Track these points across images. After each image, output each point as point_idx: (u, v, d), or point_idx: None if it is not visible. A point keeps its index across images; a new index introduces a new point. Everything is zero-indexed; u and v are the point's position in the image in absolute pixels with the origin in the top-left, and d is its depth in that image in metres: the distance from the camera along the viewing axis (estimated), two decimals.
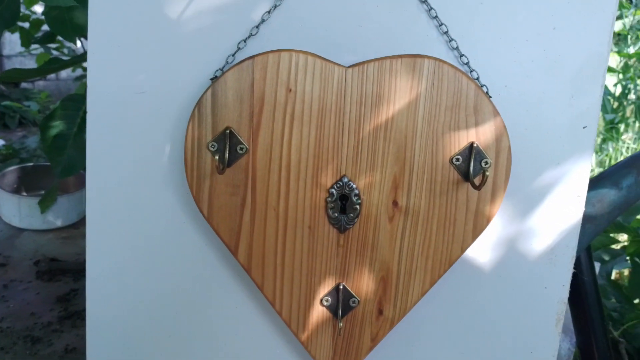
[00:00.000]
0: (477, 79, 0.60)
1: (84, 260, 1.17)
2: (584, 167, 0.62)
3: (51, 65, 1.16)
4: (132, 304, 0.66)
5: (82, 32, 1.13)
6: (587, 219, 0.77)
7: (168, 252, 0.64)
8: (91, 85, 0.61)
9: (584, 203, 0.63)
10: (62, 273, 1.10)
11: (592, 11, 0.59)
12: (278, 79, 0.58)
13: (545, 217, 0.63)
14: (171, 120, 0.61)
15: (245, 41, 0.60)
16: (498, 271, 0.64)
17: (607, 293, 1.51)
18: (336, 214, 0.60)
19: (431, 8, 0.59)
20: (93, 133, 0.62)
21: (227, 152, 0.58)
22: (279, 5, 0.59)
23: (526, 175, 0.62)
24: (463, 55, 0.60)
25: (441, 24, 0.59)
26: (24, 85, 4.43)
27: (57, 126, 1.09)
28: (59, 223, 1.25)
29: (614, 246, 1.66)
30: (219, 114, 0.58)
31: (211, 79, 0.59)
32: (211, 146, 0.59)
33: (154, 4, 0.59)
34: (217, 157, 0.56)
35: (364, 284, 0.62)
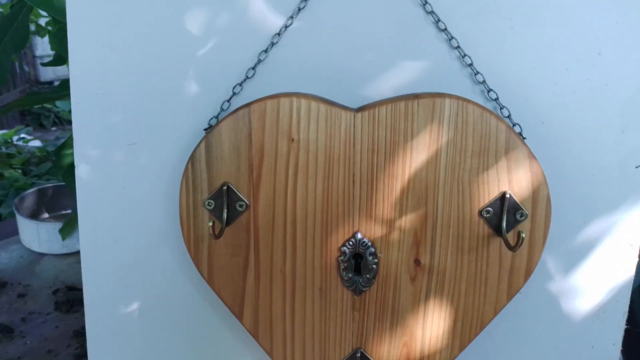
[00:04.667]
0: (509, 116, 0.52)
1: None
2: (638, 212, 0.53)
3: (67, 91, 1.13)
4: None
5: None
6: None
7: (169, 317, 0.59)
8: (77, 135, 0.56)
9: (637, 253, 0.54)
10: (80, 303, 1.08)
11: None
12: (278, 128, 0.51)
13: (592, 270, 0.55)
14: (164, 174, 0.56)
15: (241, 85, 0.53)
16: (539, 331, 0.57)
17: None
18: (350, 275, 0.53)
19: (452, 37, 0.51)
20: (83, 188, 0.57)
21: (226, 210, 0.52)
22: (277, 42, 0.52)
23: (570, 225, 0.54)
24: (491, 90, 0.52)
25: (464, 55, 0.51)
26: (57, 84, 4.49)
27: (71, 154, 1.06)
28: (78, 246, 1.23)
29: None
30: (214, 168, 0.52)
31: (205, 130, 0.53)
32: (208, 204, 0.53)
33: (138, 47, 0.53)
34: (210, 224, 0.50)
35: (384, 351, 0.55)
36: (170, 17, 0.52)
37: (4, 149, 3.24)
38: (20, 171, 3.08)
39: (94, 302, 0.60)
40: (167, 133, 0.55)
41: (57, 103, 4.20)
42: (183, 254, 0.57)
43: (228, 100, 0.53)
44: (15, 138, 3.49)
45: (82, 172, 0.57)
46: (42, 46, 4.28)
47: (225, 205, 0.52)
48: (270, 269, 0.54)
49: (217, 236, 0.51)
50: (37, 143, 3.45)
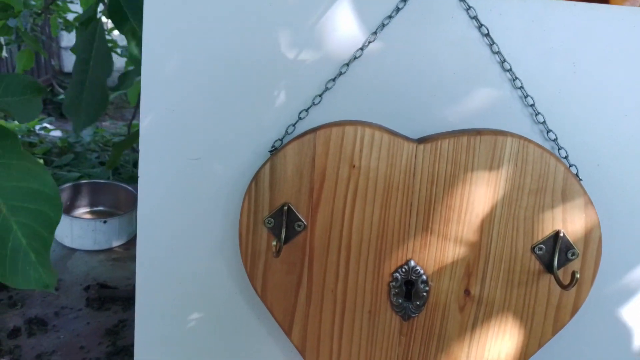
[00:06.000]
0: (566, 157, 0.53)
1: (133, 287, 1.16)
2: None
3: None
4: None
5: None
6: None
7: (219, 329, 0.61)
8: (144, 148, 0.58)
9: None
10: (111, 301, 1.10)
11: None
12: (341, 154, 0.53)
13: (636, 311, 0.56)
14: (226, 189, 0.58)
15: (307, 110, 0.55)
16: None
17: None
18: (400, 301, 0.55)
19: (516, 78, 0.53)
20: (145, 197, 0.59)
21: (285, 229, 0.54)
22: (345, 72, 0.54)
23: (618, 265, 0.55)
24: (550, 131, 0.53)
25: (527, 96, 0.53)
26: None
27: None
28: (109, 244, 1.26)
29: None
30: (277, 188, 0.54)
31: (270, 151, 0.55)
32: (268, 222, 0.55)
33: (210, 67, 0.55)
34: (274, 243, 0.52)
35: None
36: (244, 42, 0.54)
37: (25, 138, 3.29)
38: (42, 161, 3.13)
39: (145, 310, 0.62)
40: (232, 151, 0.57)
41: None
42: (237, 268, 0.59)
43: (293, 125, 0.55)
44: (37, 127, 3.54)
45: (144, 183, 0.59)
46: (68, 37, 4.34)
47: (285, 224, 0.54)
48: (322, 288, 0.56)
49: (277, 254, 0.52)
50: (58, 133, 3.49)
